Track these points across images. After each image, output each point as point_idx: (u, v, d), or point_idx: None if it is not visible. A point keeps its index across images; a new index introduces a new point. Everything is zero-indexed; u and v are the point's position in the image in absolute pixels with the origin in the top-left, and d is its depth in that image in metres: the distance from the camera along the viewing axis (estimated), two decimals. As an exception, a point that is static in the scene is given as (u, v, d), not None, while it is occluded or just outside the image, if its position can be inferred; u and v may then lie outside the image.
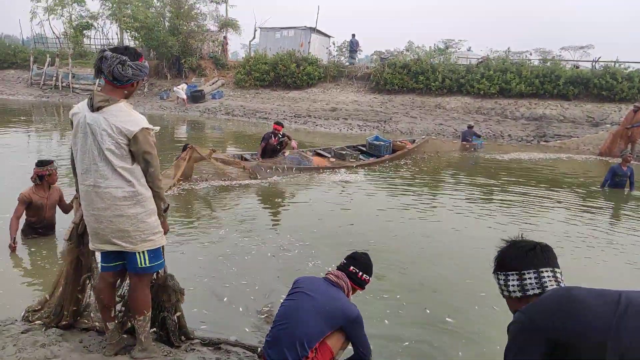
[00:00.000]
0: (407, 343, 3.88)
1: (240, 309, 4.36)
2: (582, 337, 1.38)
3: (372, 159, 13.34)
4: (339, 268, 3.18)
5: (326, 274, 3.17)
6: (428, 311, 4.52)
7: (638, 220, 8.34)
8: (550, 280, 1.66)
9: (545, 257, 1.70)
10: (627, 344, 1.32)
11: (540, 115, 21.04)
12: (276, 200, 8.85)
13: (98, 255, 3.27)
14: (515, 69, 22.78)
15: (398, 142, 15.01)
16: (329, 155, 13.02)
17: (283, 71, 27.59)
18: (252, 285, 4.86)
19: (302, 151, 12.45)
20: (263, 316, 4.21)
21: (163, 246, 3.14)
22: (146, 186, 2.96)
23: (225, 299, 4.54)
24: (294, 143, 11.87)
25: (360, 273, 3.13)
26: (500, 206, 8.79)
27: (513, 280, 1.71)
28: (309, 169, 11.42)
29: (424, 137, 16.60)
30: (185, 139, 16.09)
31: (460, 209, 8.47)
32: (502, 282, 1.75)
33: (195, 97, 26.89)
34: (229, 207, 8.09)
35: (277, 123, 11.49)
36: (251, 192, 9.25)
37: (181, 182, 9.21)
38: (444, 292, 4.99)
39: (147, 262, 3.01)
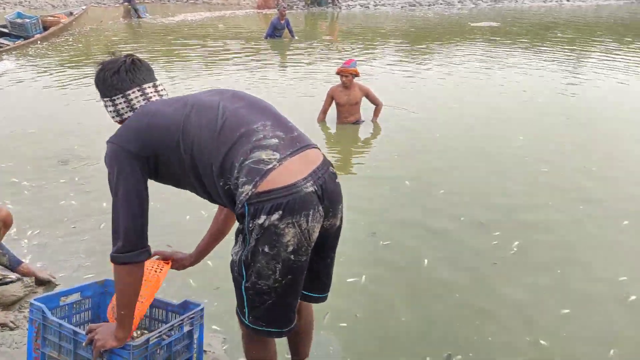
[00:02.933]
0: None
1: None
2: (164, 144, 1.54)
3: (19, 42, 11.11)
4: None
5: None
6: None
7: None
8: (138, 101, 1.67)
9: (130, 78, 1.67)
10: (191, 139, 1.53)
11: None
12: None
13: None
14: None
15: (49, 18, 12.81)
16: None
17: None
18: None
19: None
20: None
21: None
22: None
23: None
24: None
25: None
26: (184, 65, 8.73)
27: (110, 106, 1.70)
28: None
29: (83, 7, 14.54)
30: None
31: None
32: (116, 106, 1.69)
33: None
34: None
35: None
36: None
37: None
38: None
39: None
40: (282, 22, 11.81)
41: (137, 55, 1.78)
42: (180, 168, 1.56)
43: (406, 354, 2.38)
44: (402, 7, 19.72)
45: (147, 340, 1.68)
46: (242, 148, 1.48)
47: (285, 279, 1.50)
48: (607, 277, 2.98)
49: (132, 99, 1.68)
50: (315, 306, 1.94)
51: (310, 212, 1.47)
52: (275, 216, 1.42)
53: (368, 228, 3.53)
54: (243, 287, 1.55)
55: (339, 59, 9.09)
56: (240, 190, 1.45)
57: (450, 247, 3.33)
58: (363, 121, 5.87)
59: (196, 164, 1.53)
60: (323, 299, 1.81)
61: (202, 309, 1.89)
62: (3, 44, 10.90)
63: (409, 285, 2.93)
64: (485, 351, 2.40)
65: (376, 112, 5.88)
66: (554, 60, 9.73)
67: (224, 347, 2.36)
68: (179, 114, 1.55)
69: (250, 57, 10.05)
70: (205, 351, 2.19)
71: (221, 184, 1.51)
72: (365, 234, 3.45)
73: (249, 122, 1.53)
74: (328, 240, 1.66)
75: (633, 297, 2.77)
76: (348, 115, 5.78)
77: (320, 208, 1.50)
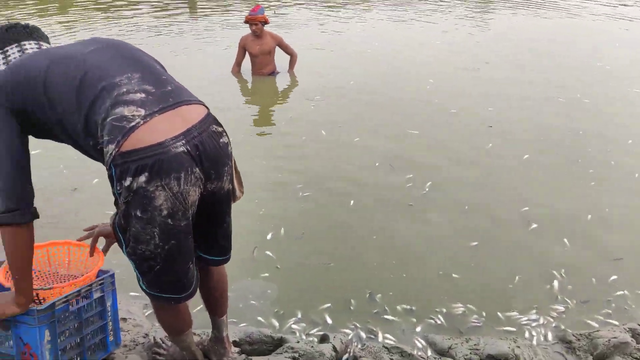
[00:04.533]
0: None
1: None
2: (29, 98, 1.42)
3: None
4: None
5: None
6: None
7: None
8: (14, 55, 1.57)
9: (28, 32, 1.60)
10: (54, 95, 1.40)
11: None
12: None
13: None
14: None
15: None
16: None
17: None
18: None
19: None
20: None
21: None
22: None
23: None
24: None
25: None
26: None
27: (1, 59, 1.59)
28: None
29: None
30: None
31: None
32: None
33: None
34: None
35: None
36: None
37: None
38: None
39: None
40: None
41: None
42: (51, 125, 1.44)
43: (330, 298, 2.44)
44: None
45: (53, 304, 1.59)
46: (104, 104, 1.35)
47: (167, 244, 1.42)
48: (511, 209, 3.22)
49: (26, 49, 1.57)
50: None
51: (182, 175, 1.35)
52: (142, 178, 1.32)
53: (288, 179, 3.53)
54: (126, 253, 1.48)
55: (249, 7, 8.75)
56: (105, 150, 1.34)
57: (367, 192, 3.42)
58: (279, 72, 5.74)
59: (63, 122, 1.41)
60: (225, 261, 1.74)
61: (112, 275, 1.80)
62: None
63: (328, 233, 3.00)
64: (403, 288, 2.53)
65: (291, 63, 5.77)
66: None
67: (146, 313, 2.29)
68: (42, 67, 1.41)
69: (156, 8, 9.37)
70: (125, 319, 2.13)
71: (91, 143, 1.40)
72: (284, 187, 3.45)
73: (112, 75, 1.40)
74: (219, 205, 1.56)
75: (534, 225, 3.03)
76: (262, 67, 5.62)
77: (196, 169, 1.38)
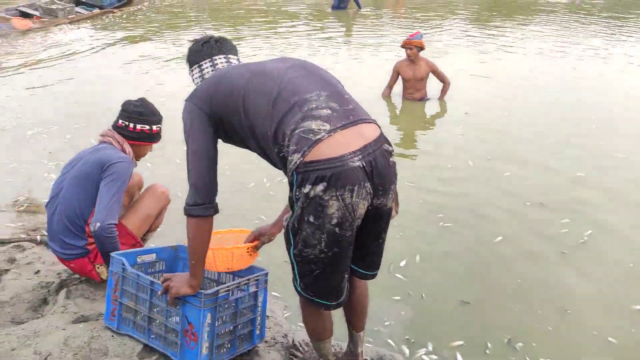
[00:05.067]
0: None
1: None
2: (228, 107, 1.60)
3: (95, 11, 11.62)
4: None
5: None
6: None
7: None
8: (208, 70, 1.81)
9: (218, 47, 1.83)
10: (250, 105, 1.58)
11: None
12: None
13: None
14: None
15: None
16: (36, 13, 10.78)
17: None
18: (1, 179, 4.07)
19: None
20: (22, 208, 3.62)
21: None
22: None
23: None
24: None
25: (132, 124, 2.49)
26: (252, 45, 8.85)
27: (196, 73, 1.83)
28: (10, 33, 9.40)
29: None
30: None
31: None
32: (193, 76, 1.85)
33: None
34: None
35: None
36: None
37: None
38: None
39: None
40: (350, -8, 11.63)
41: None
42: (243, 132, 1.62)
43: (464, 336, 2.35)
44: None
45: (217, 291, 1.77)
46: (294, 117, 1.50)
47: (331, 250, 1.51)
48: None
49: (217, 64, 1.79)
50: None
51: (355, 188, 1.45)
52: (320, 187, 1.43)
53: (430, 207, 3.48)
54: (292, 254, 1.59)
55: (406, 32, 8.89)
56: (290, 158, 1.47)
57: (513, 232, 3.22)
58: (429, 99, 5.73)
59: (254, 130, 1.58)
60: (372, 277, 1.80)
61: (266, 274, 1.96)
62: (79, 12, 11.45)
63: (466, 268, 2.88)
64: (548, 342, 2.33)
65: (443, 91, 5.71)
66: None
67: (286, 315, 2.43)
68: (242, 80, 1.60)
69: (315, 29, 10.00)
70: (267, 316, 2.28)
71: (276, 150, 1.54)
72: (427, 214, 3.41)
73: (303, 92, 1.54)
74: (379, 221, 1.63)
75: None
76: (413, 92, 5.66)
77: (368, 185, 1.47)
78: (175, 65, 7.36)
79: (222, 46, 1.83)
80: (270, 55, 7.63)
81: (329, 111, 1.50)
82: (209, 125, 1.63)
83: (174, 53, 8.11)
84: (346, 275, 1.63)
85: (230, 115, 1.61)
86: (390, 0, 15.00)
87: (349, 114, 1.53)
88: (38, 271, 2.65)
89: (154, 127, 2.51)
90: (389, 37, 9.21)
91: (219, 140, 1.69)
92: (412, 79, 5.59)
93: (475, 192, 3.76)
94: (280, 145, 1.52)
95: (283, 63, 1.67)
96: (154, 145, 2.62)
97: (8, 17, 10.10)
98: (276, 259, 2.60)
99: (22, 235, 3.19)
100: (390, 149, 1.57)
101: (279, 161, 1.56)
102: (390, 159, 1.56)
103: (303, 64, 1.70)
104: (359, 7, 11.85)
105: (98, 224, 2.14)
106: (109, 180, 2.26)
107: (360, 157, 1.45)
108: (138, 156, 2.57)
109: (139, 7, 12.61)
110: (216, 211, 1.67)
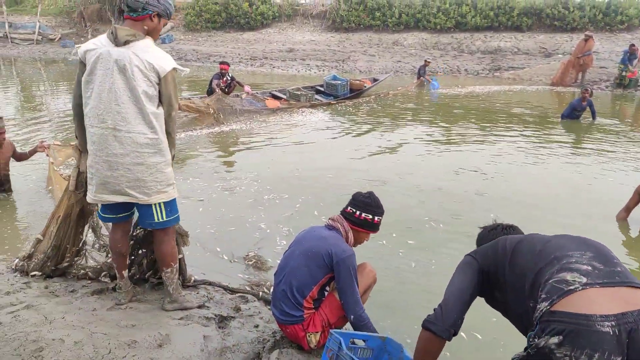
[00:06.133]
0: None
1: (225, 257, 4.35)
2: (496, 276, 1.77)
3: (330, 100, 13.24)
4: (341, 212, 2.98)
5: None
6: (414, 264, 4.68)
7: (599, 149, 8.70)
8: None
9: (490, 236, 2.04)
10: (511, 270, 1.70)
11: (495, 48, 21.17)
12: (242, 147, 8.67)
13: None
14: (471, 1, 22.59)
15: (356, 81, 14.89)
16: (284, 96, 12.81)
17: (235, 11, 26.52)
18: (238, 233, 4.82)
19: (257, 93, 12.25)
20: (251, 262, 4.22)
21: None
22: (164, 133, 2.80)
23: (217, 249, 4.50)
24: (247, 88, 11.52)
25: (358, 212, 2.82)
26: (463, 140, 8.97)
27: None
28: (263, 111, 11.31)
29: (385, 75, 16.49)
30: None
31: (426, 145, 8.61)
32: None
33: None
34: (198, 156, 7.89)
35: (223, 62, 11.17)
36: (214, 142, 9.03)
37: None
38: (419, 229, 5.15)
39: (164, 216, 2.86)
40: (584, 103, 10.81)
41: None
42: (500, 283, 1.74)
43: None
44: None
45: None
46: (552, 269, 1.49)
47: None
48: None
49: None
50: None
51: (596, 355, 1.25)
52: (554, 340, 1.31)
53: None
54: None
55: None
56: (538, 306, 1.43)
57: None
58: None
59: (514, 281, 1.67)
60: None
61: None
62: (318, 99, 13.19)
63: None
64: None
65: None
66: None
67: None
68: (514, 240, 1.77)
69: (537, 136, 9.56)
70: None
71: (531, 305, 1.52)
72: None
73: (566, 249, 1.56)
74: None
75: None
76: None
77: (617, 357, 1.25)
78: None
79: (509, 231, 2.05)
80: (484, 156, 7.54)
81: (589, 267, 1.45)
82: (478, 274, 1.80)
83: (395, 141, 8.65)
84: None
85: (496, 269, 1.75)
86: (628, 113, 13.52)
87: (615, 275, 1.42)
88: (257, 325, 2.96)
89: (376, 218, 2.86)
90: (629, 153, 8.24)
91: None
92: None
93: None
94: (534, 298, 1.51)
95: (570, 241, 1.71)
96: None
97: (263, 97, 12.24)
98: None
99: (248, 288, 3.63)
100: None
101: (526, 317, 1.58)
102: None
103: (589, 242, 1.66)
104: (594, 117, 10.93)
105: (352, 317, 2.55)
106: (346, 275, 2.61)
107: (613, 322, 1.28)
108: (357, 242, 2.91)
109: (367, 98, 13.93)
110: (449, 339, 1.74)
